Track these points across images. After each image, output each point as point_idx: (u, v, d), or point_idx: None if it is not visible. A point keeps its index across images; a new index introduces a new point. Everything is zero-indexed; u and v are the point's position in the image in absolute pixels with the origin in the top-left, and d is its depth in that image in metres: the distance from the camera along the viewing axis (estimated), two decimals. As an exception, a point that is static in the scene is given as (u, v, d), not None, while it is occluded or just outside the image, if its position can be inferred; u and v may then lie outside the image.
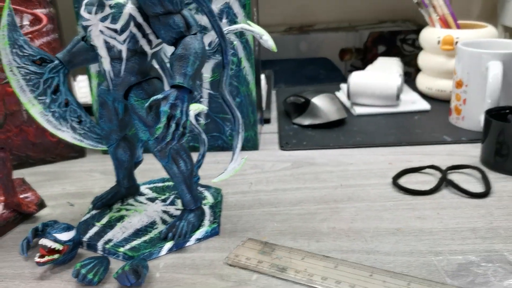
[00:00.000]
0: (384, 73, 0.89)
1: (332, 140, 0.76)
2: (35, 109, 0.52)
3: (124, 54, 0.46)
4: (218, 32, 0.47)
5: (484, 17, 1.28)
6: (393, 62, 0.98)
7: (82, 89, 0.99)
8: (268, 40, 0.54)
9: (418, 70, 0.99)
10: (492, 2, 1.26)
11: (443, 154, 0.69)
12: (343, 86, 1.00)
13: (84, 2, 0.46)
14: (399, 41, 1.27)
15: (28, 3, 0.65)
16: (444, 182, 0.60)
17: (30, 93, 0.51)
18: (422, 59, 0.94)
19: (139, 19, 0.44)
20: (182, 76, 0.42)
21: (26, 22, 0.67)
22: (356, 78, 0.88)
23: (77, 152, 0.76)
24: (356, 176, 0.64)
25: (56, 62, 0.52)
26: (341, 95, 0.97)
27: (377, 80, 0.86)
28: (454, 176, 0.62)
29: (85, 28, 0.48)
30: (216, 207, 0.57)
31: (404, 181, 0.62)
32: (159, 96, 0.42)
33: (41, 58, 0.51)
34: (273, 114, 0.91)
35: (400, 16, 1.37)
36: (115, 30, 0.44)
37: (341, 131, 0.80)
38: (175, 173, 0.50)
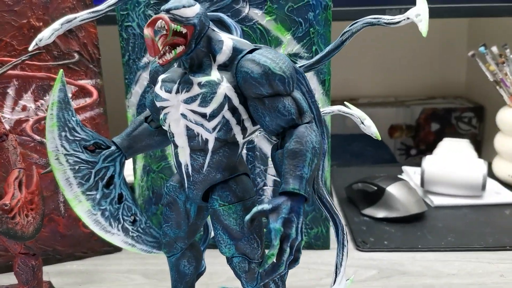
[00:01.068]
0: (464, 158, 0.78)
1: (417, 239, 0.64)
2: (81, 207, 0.41)
3: (210, 145, 0.35)
4: (316, 115, 0.36)
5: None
6: (463, 145, 0.88)
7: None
8: (370, 126, 0.44)
9: (479, 152, 0.88)
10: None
11: None
12: (407, 169, 0.89)
13: (160, 78, 0.36)
14: (454, 119, 1.18)
15: (74, 73, 0.56)
16: None
17: (77, 187, 0.40)
18: (501, 143, 0.83)
19: (235, 101, 0.34)
20: (297, 180, 0.31)
21: (68, 94, 0.57)
22: (432, 164, 0.77)
23: (112, 246, 0.64)
24: (466, 293, 0.51)
25: (113, 148, 0.41)
26: (407, 179, 0.85)
27: (458, 167, 0.75)
28: None
29: (156, 109, 0.38)
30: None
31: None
32: (266, 206, 0.31)
33: (95, 143, 0.40)
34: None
35: (451, 92, 1.28)
36: (203, 115, 0.34)
37: (424, 227, 0.67)
38: (263, 301, 0.38)
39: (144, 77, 0.58)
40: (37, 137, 0.47)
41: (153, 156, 0.61)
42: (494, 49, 0.82)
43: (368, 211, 0.71)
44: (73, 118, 0.39)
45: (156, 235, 0.45)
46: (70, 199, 0.40)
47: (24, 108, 0.55)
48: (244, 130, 0.35)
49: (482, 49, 0.80)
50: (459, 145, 0.88)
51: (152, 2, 0.56)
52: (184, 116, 0.34)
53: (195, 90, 0.33)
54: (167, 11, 0.33)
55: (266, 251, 0.30)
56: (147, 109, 0.43)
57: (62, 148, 0.39)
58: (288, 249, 0.30)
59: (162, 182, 0.62)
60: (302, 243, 0.31)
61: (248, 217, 0.31)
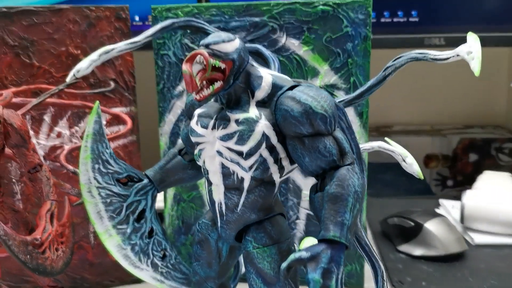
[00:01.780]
0: (507, 193, 0.74)
1: (457, 280, 0.60)
2: (111, 241, 0.40)
3: (246, 184, 0.33)
4: (356, 153, 0.34)
5: None
6: (506, 179, 0.83)
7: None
8: (412, 164, 0.42)
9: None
10: None
11: None
12: (445, 203, 0.85)
13: (197, 113, 0.35)
14: (493, 149, 1.13)
15: (108, 100, 0.56)
16: None
17: (108, 221, 0.39)
18: (547, 179, 0.79)
19: (273, 139, 0.32)
20: (338, 227, 0.29)
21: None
22: (473, 198, 0.73)
23: (140, 275, 0.63)
24: None
25: (145, 181, 0.40)
26: (445, 214, 0.82)
27: (501, 202, 0.71)
28: None
29: (191, 143, 0.37)
30: None
31: None
32: (304, 254, 0.29)
33: (127, 176, 0.40)
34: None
35: (489, 121, 1.24)
36: (239, 153, 0.32)
37: (465, 268, 0.63)
38: None
39: (178, 105, 0.58)
40: (71, 167, 0.46)
41: (184, 185, 0.60)
42: (539, 80, 0.79)
43: (404, 247, 0.68)
44: (107, 150, 0.39)
45: (186, 271, 0.43)
46: (100, 233, 0.39)
47: (59, 135, 0.55)
48: (281, 169, 0.34)
49: (526, 80, 0.77)
50: (501, 179, 0.84)
51: (188, 31, 0.56)
52: (219, 153, 0.33)
53: (232, 127, 0.32)
54: (207, 46, 0.32)
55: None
56: (181, 142, 0.42)
57: (94, 181, 0.38)
58: (327, 303, 0.28)
59: (192, 211, 0.60)
60: (341, 293, 0.29)
61: (284, 264, 0.29)
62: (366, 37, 0.53)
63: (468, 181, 0.97)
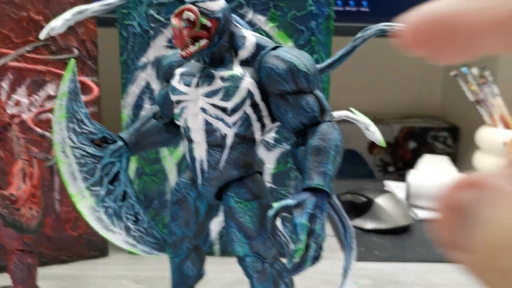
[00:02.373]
0: (445, 174, 0.80)
1: (406, 250, 0.65)
2: (84, 203, 0.39)
3: (229, 141, 0.34)
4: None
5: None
6: (444, 161, 0.90)
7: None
8: (375, 133, 0.45)
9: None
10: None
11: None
12: (390, 184, 0.91)
13: (179, 71, 0.36)
14: (430, 138, 1.21)
15: (70, 70, 0.55)
16: None
17: (82, 182, 0.39)
18: (482, 162, 0.86)
19: (257, 97, 0.34)
20: (321, 176, 0.31)
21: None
22: (417, 178, 0.78)
23: (99, 251, 0.62)
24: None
25: (120, 143, 0.40)
26: (391, 194, 0.87)
27: (441, 182, 0.77)
28: None
29: (168, 104, 0.37)
30: None
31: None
32: (290, 201, 0.30)
33: (102, 137, 0.39)
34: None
35: (427, 112, 1.32)
36: (224, 109, 0.33)
37: (412, 239, 0.68)
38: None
39: (142, 77, 0.57)
40: (39, 130, 0.45)
41: (147, 159, 0.60)
42: (474, 70, 0.86)
43: (357, 222, 0.72)
44: (82, 110, 0.38)
45: (158, 236, 0.43)
46: (73, 194, 0.39)
47: (17, 103, 0.53)
48: (263, 127, 0.35)
49: (465, 69, 0.83)
50: (439, 161, 0.90)
51: (154, 2, 0.55)
52: (203, 110, 0.34)
53: (218, 84, 0.33)
54: (193, 3, 0.33)
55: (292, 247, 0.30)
56: (155, 106, 0.42)
57: (69, 140, 0.38)
58: (314, 245, 0.30)
59: (155, 185, 0.60)
60: (325, 240, 0.31)
61: (271, 212, 0.31)
62: (329, 16, 0.55)
63: (407, 167, 1.03)
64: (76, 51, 0.53)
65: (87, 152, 0.39)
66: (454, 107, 1.21)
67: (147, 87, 0.58)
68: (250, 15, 0.55)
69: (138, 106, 0.58)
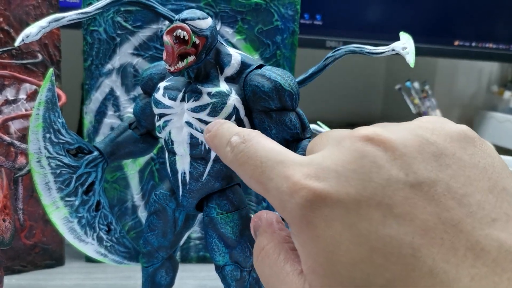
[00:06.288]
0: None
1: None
2: (58, 214, 0.39)
3: (213, 154, 0.35)
4: None
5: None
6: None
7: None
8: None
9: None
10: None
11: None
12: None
13: (162, 85, 0.37)
14: (372, 145, 1.28)
15: (30, 74, 0.53)
16: None
17: (56, 192, 0.38)
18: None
19: (241, 112, 0.35)
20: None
21: (22, 95, 0.54)
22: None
23: (54, 260, 0.60)
24: None
25: (96, 153, 0.40)
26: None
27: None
28: None
29: (146, 116, 0.38)
30: None
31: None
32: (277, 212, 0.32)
33: (78, 147, 0.39)
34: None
35: (368, 120, 1.39)
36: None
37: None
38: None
39: (106, 84, 0.57)
40: (6, 138, 0.43)
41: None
42: (416, 84, 0.92)
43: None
44: (59, 120, 0.38)
45: (129, 245, 0.44)
46: (47, 205, 0.38)
47: (-27, 107, 0.51)
48: (245, 141, 0.36)
49: (408, 83, 0.89)
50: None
51: (122, 9, 0.55)
52: (189, 124, 0.35)
53: (205, 99, 0.34)
54: (183, 20, 0.33)
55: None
56: (130, 116, 0.42)
57: (45, 151, 0.37)
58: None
59: (115, 192, 0.60)
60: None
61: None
62: (294, 31, 0.58)
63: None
64: (40, 56, 0.52)
65: (63, 163, 0.38)
66: (394, 117, 1.29)
67: (111, 94, 0.57)
68: (218, 27, 0.56)
69: (101, 113, 0.57)
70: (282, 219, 0.31)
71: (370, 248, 0.20)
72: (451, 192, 0.21)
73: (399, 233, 0.20)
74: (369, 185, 0.21)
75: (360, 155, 0.22)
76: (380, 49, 0.40)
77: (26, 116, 0.50)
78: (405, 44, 0.38)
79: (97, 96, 0.57)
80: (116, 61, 0.56)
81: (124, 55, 0.56)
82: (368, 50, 0.40)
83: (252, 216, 0.37)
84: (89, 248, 0.41)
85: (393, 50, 0.39)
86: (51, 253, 0.59)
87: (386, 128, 0.23)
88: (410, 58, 0.38)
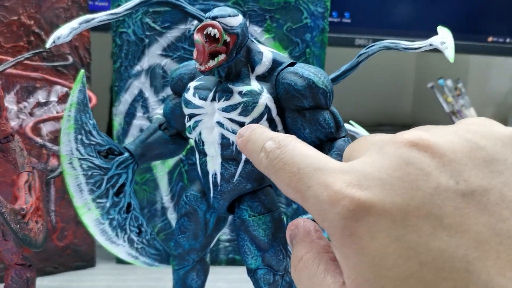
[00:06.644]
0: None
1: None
2: (89, 215, 0.39)
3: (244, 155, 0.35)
4: None
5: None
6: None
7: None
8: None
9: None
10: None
11: None
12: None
13: (192, 85, 0.36)
14: (402, 145, 1.25)
15: (61, 76, 0.53)
16: None
17: (88, 194, 0.38)
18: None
19: (274, 112, 0.34)
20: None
21: (53, 98, 0.54)
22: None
23: (85, 261, 0.60)
24: None
25: (126, 155, 0.40)
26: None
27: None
28: None
29: (176, 117, 0.37)
30: None
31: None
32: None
33: (109, 149, 0.39)
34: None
35: (398, 121, 1.36)
36: (241, 124, 0.34)
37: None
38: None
39: (135, 85, 0.57)
40: (39, 140, 0.44)
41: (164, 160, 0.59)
42: (449, 82, 0.89)
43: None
44: (90, 121, 0.38)
45: (160, 247, 0.43)
46: (78, 207, 0.38)
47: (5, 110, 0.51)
48: (277, 141, 0.35)
49: (441, 81, 0.87)
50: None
51: (150, 11, 0.55)
52: (220, 124, 0.34)
53: (236, 99, 0.33)
54: (213, 18, 0.33)
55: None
56: (160, 117, 0.42)
57: (77, 152, 0.37)
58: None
59: (145, 194, 0.60)
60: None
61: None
62: (323, 29, 0.57)
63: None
64: (70, 58, 0.52)
65: (94, 164, 0.38)
66: (425, 117, 1.25)
67: (140, 95, 0.57)
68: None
69: (130, 115, 0.57)
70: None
71: (419, 262, 0.18)
72: (505, 201, 0.19)
73: (450, 246, 0.18)
74: (416, 194, 0.19)
75: (405, 161, 0.20)
76: (417, 44, 0.38)
77: (57, 118, 0.50)
78: (444, 39, 0.37)
79: (126, 98, 0.57)
80: (145, 63, 0.56)
81: (152, 56, 0.56)
82: (403, 46, 0.39)
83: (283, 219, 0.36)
84: (121, 250, 0.41)
85: (430, 45, 0.38)
86: (82, 254, 0.60)
87: (431, 132, 0.21)
88: (450, 53, 0.36)
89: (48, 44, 0.37)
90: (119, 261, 0.61)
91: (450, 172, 0.20)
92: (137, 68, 0.56)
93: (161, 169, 0.59)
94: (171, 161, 0.59)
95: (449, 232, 0.19)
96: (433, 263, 0.18)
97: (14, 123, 0.51)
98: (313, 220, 0.29)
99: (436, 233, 0.19)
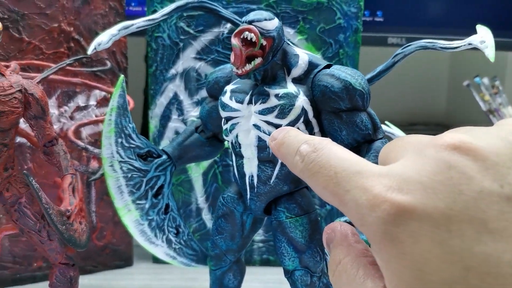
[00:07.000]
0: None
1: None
2: (130, 216, 0.40)
3: (281, 157, 0.35)
4: None
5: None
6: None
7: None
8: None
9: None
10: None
11: None
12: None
13: (229, 88, 0.37)
14: (436, 145, 1.22)
15: (99, 81, 0.55)
16: None
17: (128, 196, 0.39)
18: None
19: (310, 114, 0.34)
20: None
21: (92, 102, 0.56)
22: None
23: (123, 260, 0.62)
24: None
25: (165, 157, 0.40)
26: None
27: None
28: None
29: (213, 120, 0.38)
30: None
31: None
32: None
33: (148, 151, 0.40)
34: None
35: (431, 119, 1.34)
36: (278, 126, 0.34)
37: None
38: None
39: (170, 89, 0.58)
40: (80, 143, 0.45)
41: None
42: (485, 80, 0.87)
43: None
44: (130, 124, 0.39)
45: (196, 248, 0.44)
46: (119, 208, 0.39)
47: (48, 114, 0.53)
48: (314, 143, 0.35)
49: (477, 79, 0.85)
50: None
51: (184, 15, 0.56)
52: (256, 126, 0.35)
53: (273, 101, 0.34)
54: (250, 22, 0.33)
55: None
56: (197, 120, 0.43)
57: (117, 155, 0.38)
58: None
59: (180, 195, 0.61)
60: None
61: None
62: (357, 29, 0.56)
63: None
64: (108, 63, 0.53)
65: (134, 167, 0.39)
66: (460, 115, 1.23)
67: (175, 98, 0.58)
68: (279, 28, 0.56)
69: (166, 117, 0.59)
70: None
71: (463, 267, 0.18)
72: None
73: (496, 251, 0.18)
74: (459, 198, 0.19)
75: (447, 165, 0.20)
76: (455, 43, 0.38)
77: (97, 122, 0.52)
78: (484, 38, 0.36)
79: (162, 101, 0.58)
80: (180, 66, 0.57)
81: (187, 60, 0.57)
82: (441, 45, 0.38)
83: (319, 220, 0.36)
84: (159, 250, 0.42)
85: (470, 44, 0.37)
86: (121, 254, 0.61)
87: (472, 134, 0.21)
88: (490, 52, 0.35)
89: (89, 51, 0.38)
90: (156, 260, 0.62)
91: (494, 175, 0.19)
92: (172, 71, 0.57)
93: (196, 171, 0.60)
94: (206, 163, 0.60)
95: (494, 236, 0.18)
96: (478, 268, 0.18)
97: (55, 127, 0.53)
98: (350, 223, 0.29)
99: (481, 237, 0.18)
